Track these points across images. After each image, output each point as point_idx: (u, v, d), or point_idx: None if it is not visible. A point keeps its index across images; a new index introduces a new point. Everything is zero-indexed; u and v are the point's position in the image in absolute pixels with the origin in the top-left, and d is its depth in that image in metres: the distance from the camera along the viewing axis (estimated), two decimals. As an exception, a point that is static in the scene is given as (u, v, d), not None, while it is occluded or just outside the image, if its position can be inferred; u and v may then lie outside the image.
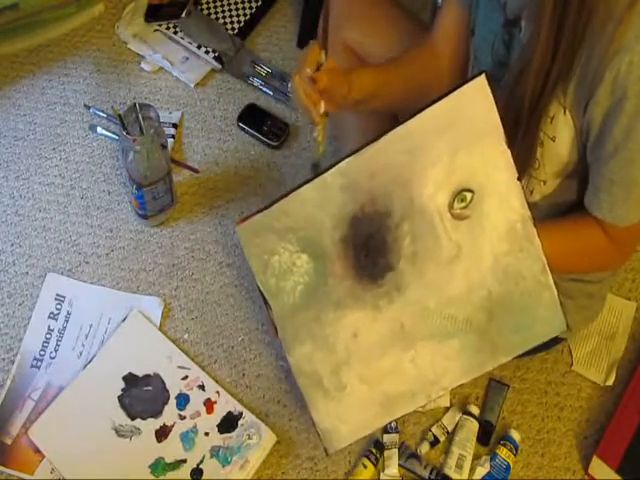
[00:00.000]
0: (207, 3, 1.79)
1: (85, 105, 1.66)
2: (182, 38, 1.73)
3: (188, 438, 1.34)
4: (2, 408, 1.35)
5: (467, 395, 1.41)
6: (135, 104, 1.33)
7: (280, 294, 1.06)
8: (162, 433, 1.34)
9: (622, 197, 1.01)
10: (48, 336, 1.41)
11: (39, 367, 1.39)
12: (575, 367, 1.45)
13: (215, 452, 1.33)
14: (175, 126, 1.64)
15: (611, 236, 1.06)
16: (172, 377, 1.38)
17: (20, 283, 1.47)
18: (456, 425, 1.37)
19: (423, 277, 1.03)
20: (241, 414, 1.36)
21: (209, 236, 1.54)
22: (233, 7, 1.79)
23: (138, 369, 1.38)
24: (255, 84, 1.70)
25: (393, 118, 1.33)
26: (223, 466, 1.32)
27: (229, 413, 1.36)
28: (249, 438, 1.34)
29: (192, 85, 1.70)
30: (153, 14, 1.75)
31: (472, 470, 1.34)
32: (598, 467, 1.34)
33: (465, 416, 1.37)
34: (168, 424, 1.35)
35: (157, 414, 1.35)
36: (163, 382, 1.38)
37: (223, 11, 1.78)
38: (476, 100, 0.95)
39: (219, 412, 1.36)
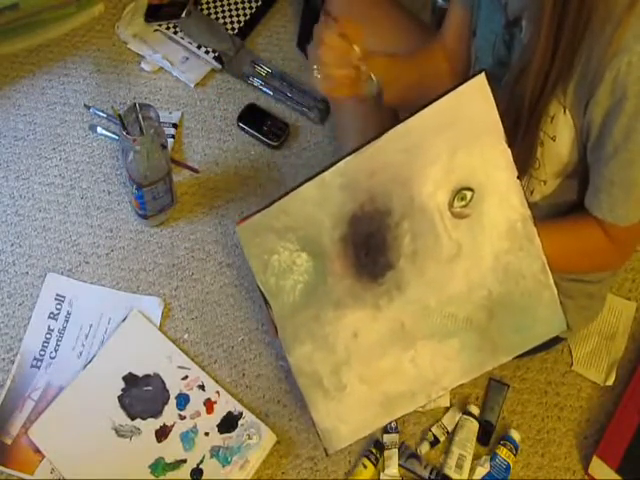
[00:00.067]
0: (207, 3, 1.79)
1: (85, 105, 1.66)
2: (182, 38, 1.73)
3: (188, 438, 1.34)
4: (2, 408, 1.35)
5: (467, 395, 1.41)
6: (135, 104, 1.33)
7: (280, 293, 1.06)
8: (162, 433, 1.34)
9: (622, 197, 1.01)
10: (48, 336, 1.41)
11: (39, 367, 1.39)
12: (575, 367, 1.45)
13: (215, 452, 1.33)
14: (175, 126, 1.64)
15: (611, 236, 1.06)
16: (172, 377, 1.38)
17: (20, 283, 1.47)
18: (456, 425, 1.37)
19: (423, 276, 1.03)
20: (241, 414, 1.36)
21: (209, 236, 1.54)
22: (233, 7, 1.79)
23: (138, 369, 1.38)
24: (255, 84, 1.70)
25: (393, 117, 1.33)
26: (223, 466, 1.32)
27: (229, 413, 1.36)
28: (249, 438, 1.34)
29: (192, 85, 1.70)
30: (153, 14, 1.75)
31: (472, 470, 1.33)
32: (598, 467, 1.33)
33: (465, 416, 1.37)
34: (168, 424, 1.35)
35: (157, 414, 1.35)
36: (163, 382, 1.38)
37: (223, 11, 1.78)
38: (476, 99, 0.95)
39: (219, 412, 1.36)
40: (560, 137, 1.02)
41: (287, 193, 1.01)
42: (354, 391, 1.10)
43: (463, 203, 0.99)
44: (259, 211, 1.03)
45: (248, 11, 1.79)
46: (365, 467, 1.32)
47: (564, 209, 1.13)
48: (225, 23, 1.77)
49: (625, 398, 1.38)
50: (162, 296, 1.47)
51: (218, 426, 1.35)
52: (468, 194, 0.99)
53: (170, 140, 1.61)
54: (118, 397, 1.36)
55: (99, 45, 1.74)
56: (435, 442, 1.36)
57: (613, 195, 1.01)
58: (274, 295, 1.07)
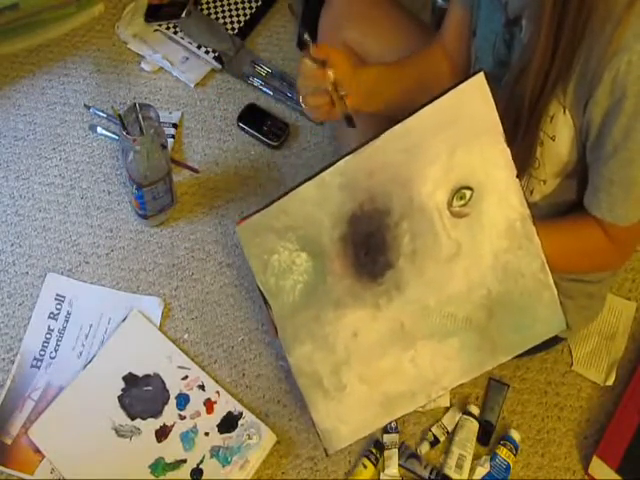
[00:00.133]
0: (207, 3, 1.79)
1: (85, 105, 1.66)
2: (182, 38, 1.73)
3: (188, 438, 1.34)
4: (2, 408, 1.35)
5: (467, 395, 1.41)
6: (135, 104, 1.33)
7: (280, 293, 1.06)
8: (162, 433, 1.34)
9: (621, 197, 1.01)
10: (48, 336, 1.41)
11: (39, 367, 1.39)
12: (575, 367, 1.45)
13: (215, 452, 1.33)
14: (175, 126, 1.64)
15: (611, 236, 1.06)
16: (172, 377, 1.38)
17: (20, 283, 1.47)
18: (456, 425, 1.37)
19: (423, 275, 1.03)
20: (241, 414, 1.36)
21: (209, 236, 1.54)
22: (233, 7, 1.79)
23: (138, 369, 1.38)
24: (255, 84, 1.70)
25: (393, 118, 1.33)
26: (223, 466, 1.32)
27: (229, 413, 1.36)
28: (249, 438, 1.34)
29: (192, 85, 1.70)
30: (153, 14, 1.75)
31: (472, 470, 1.33)
32: (598, 467, 1.33)
33: (465, 416, 1.37)
34: (168, 424, 1.35)
35: (157, 414, 1.35)
36: (163, 382, 1.38)
37: (223, 11, 1.78)
38: (475, 98, 0.95)
39: (219, 412, 1.36)
40: (560, 137, 1.02)
41: (287, 193, 1.01)
42: (354, 391, 1.10)
43: (462, 202, 0.99)
44: (259, 211, 1.03)
45: (248, 11, 1.79)
46: (365, 467, 1.32)
47: (564, 209, 1.13)
48: (225, 23, 1.77)
49: (625, 398, 1.38)
50: (162, 296, 1.47)
51: (218, 426, 1.35)
52: (467, 193, 0.99)
53: (170, 140, 1.61)
54: (118, 397, 1.36)
55: (99, 45, 1.74)
56: (435, 442, 1.36)
57: (612, 194, 1.01)
58: (274, 295, 1.07)
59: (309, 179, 1.00)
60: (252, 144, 1.64)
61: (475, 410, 1.37)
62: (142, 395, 1.36)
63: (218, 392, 1.38)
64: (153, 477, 1.31)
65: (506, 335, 1.06)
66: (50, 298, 1.45)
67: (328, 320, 1.07)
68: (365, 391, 1.10)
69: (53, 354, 1.40)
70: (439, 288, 1.04)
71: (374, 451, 1.34)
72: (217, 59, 1.71)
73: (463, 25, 1.20)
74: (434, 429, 1.37)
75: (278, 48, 1.77)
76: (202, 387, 1.38)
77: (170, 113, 1.66)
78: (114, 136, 1.62)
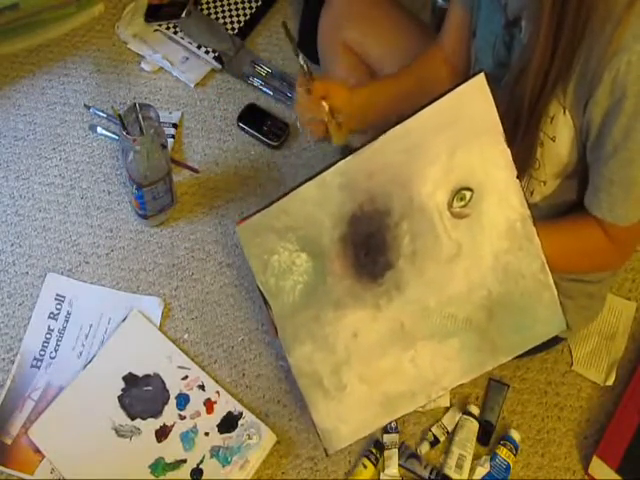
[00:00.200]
0: (207, 3, 1.79)
1: (85, 105, 1.66)
2: (182, 38, 1.73)
3: (188, 438, 1.34)
4: (2, 408, 1.35)
5: (467, 395, 1.41)
6: (135, 104, 1.33)
7: (280, 294, 1.06)
8: (162, 433, 1.34)
9: (622, 197, 1.01)
10: (48, 336, 1.41)
11: (39, 367, 1.39)
12: (575, 367, 1.45)
13: (215, 452, 1.33)
14: (175, 126, 1.64)
15: (611, 236, 1.06)
16: (172, 377, 1.38)
17: (20, 283, 1.47)
18: (456, 425, 1.37)
19: (423, 276, 1.03)
20: (241, 414, 1.36)
21: (209, 236, 1.54)
22: (233, 7, 1.79)
23: (138, 369, 1.38)
24: (255, 84, 1.70)
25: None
26: (223, 466, 1.32)
27: (229, 413, 1.36)
28: (249, 438, 1.34)
29: (192, 85, 1.70)
30: (153, 14, 1.75)
31: (472, 470, 1.33)
32: (598, 467, 1.33)
33: (465, 416, 1.37)
34: (168, 424, 1.35)
35: (157, 414, 1.35)
36: (163, 382, 1.38)
37: (223, 11, 1.78)
38: (475, 99, 0.95)
39: (219, 412, 1.36)
40: (560, 137, 1.02)
41: (287, 193, 1.01)
42: (354, 391, 1.10)
43: (462, 203, 0.99)
44: (259, 211, 1.03)
45: (248, 11, 1.79)
46: (365, 467, 1.32)
47: (564, 210, 1.13)
48: (225, 23, 1.77)
49: (625, 398, 1.38)
50: (162, 296, 1.47)
51: (218, 426, 1.35)
52: (467, 194, 0.99)
53: (170, 140, 1.61)
54: (118, 397, 1.36)
55: (99, 45, 1.74)
56: (435, 442, 1.36)
57: (613, 194, 1.01)
58: (274, 295, 1.07)
59: (309, 179, 1.00)
60: (252, 144, 1.64)
61: (475, 410, 1.37)
62: (142, 395, 1.36)
63: (218, 392, 1.38)
64: (153, 477, 1.31)
65: (506, 336, 1.06)
66: (50, 298, 1.45)
67: (328, 320, 1.07)
68: (365, 391, 1.10)
69: (53, 354, 1.40)
70: (439, 289, 1.04)
71: (374, 451, 1.34)
72: (217, 59, 1.71)
73: (463, 26, 1.20)
74: (434, 429, 1.37)
75: (278, 48, 1.77)
76: (202, 387, 1.38)
77: (170, 113, 1.66)
78: (114, 136, 1.62)
